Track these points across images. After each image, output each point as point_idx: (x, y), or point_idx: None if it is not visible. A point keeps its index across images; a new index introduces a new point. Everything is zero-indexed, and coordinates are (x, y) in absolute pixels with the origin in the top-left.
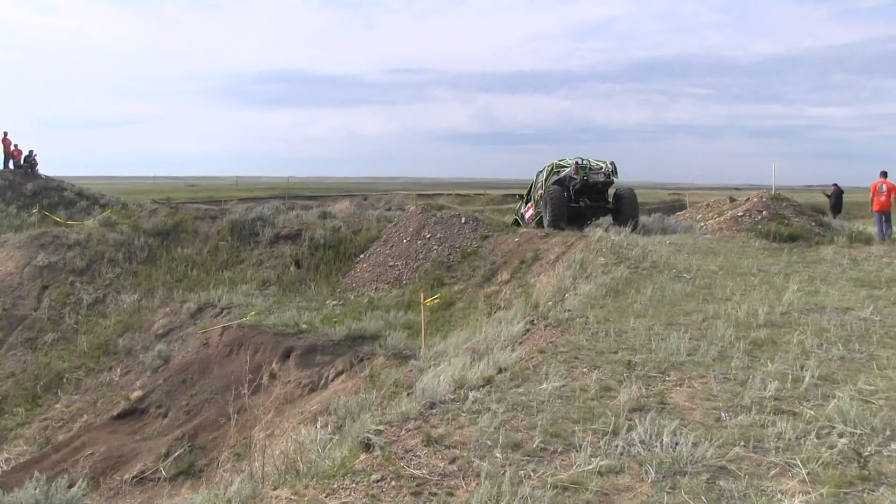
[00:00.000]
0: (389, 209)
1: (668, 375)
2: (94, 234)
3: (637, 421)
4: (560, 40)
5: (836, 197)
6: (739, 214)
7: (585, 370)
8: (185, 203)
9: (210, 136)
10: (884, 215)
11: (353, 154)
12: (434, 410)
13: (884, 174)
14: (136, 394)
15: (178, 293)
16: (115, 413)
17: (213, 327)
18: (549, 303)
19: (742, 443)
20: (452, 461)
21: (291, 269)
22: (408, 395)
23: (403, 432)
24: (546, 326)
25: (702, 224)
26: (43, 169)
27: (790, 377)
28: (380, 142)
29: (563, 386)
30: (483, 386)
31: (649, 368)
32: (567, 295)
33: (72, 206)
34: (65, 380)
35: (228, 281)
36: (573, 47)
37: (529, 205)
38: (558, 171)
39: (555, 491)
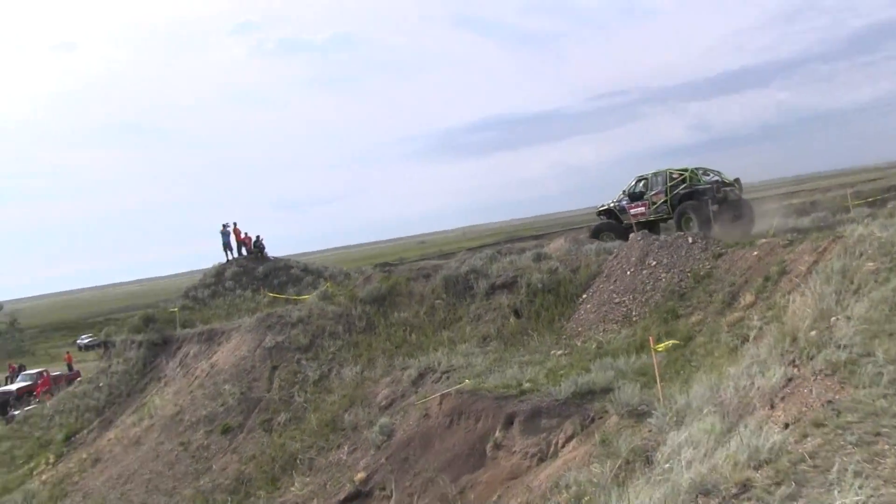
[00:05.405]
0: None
1: None
2: (314, 309)
3: None
4: (765, 30)
5: None
6: None
7: None
8: (414, 261)
9: (433, 192)
10: None
11: (572, 186)
12: None
13: None
14: (360, 475)
15: (399, 360)
16: (341, 497)
17: (432, 396)
18: (812, 332)
19: None
20: None
21: (511, 319)
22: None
23: None
24: (815, 375)
25: None
26: (279, 249)
27: None
28: (597, 170)
29: (872, 498)
30: (737, 496)
31: None
32: (834, 319)
33: (299, 282)
34: (298, 461)
35: (447, 341)
36: (781, 33)
37: (637, 203)
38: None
39: None
